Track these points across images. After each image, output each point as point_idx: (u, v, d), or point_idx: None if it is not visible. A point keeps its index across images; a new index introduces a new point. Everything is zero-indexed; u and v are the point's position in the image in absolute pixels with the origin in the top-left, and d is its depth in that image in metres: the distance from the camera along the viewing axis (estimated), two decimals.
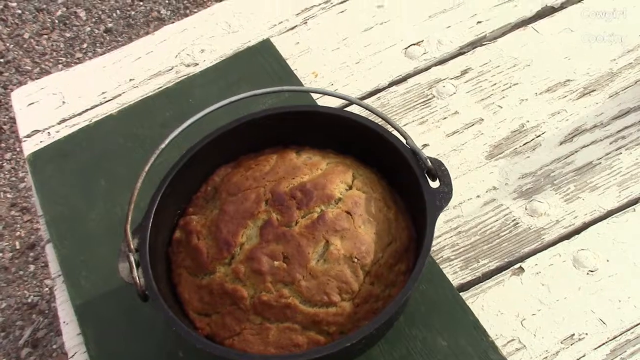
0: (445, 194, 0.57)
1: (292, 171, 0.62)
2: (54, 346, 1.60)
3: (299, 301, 0.55)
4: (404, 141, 0.61)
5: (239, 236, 0.58)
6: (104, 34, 2.08)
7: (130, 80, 0.91)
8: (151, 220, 0.59)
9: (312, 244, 0.57)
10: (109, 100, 0.90)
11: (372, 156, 0.65)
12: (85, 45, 2.06)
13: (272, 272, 0.56)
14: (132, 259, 0.56)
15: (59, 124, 0.88)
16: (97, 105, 0.89)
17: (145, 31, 2.06)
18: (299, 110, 0.65)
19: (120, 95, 0.90)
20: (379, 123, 0.64)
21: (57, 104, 0.90)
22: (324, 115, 0.65)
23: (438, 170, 0.58)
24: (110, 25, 2.09)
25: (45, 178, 0.81)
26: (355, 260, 0.57)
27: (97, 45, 2.07)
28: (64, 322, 0.71)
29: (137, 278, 0.56)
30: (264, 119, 0.65)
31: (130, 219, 0.58)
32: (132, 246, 0.57)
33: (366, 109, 0.63)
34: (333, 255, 0.56)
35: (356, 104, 0.64)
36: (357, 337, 0.51)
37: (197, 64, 0.91)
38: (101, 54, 2.03)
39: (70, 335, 0.70)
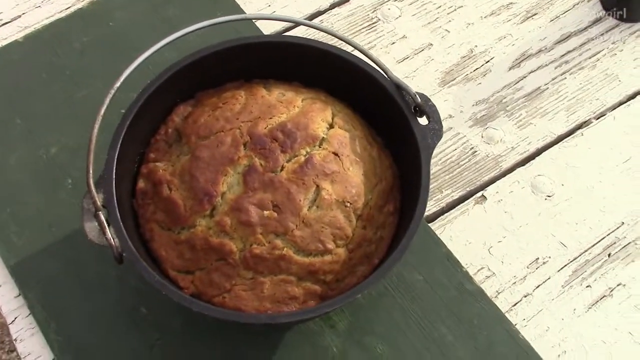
0: (436, 131, 0.55)
1: (268, 110, 0.56)
2: None
3: (293, 251, 0.52)
4: (384, 74, 0.57)
5: (220, 185, 0.53)
6: None
7: None
8: (114, 170, 0.52)
9: (302, 190, 0.53)
10: (7, 23, 0.77)
11: (344, 89, 0.61)
12: None
13: (263, 222, 0.52)
14: (102, 217, 0.49)
15: None
16: None
17: None
18: (266, 40, 0.59)
19: (19, 16, 0.78)
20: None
21: None
22: (290, 46, 0.60)
23: (426, 105, 0.56)
24: None
25: None
26: (348, 204, 0.54)
27: None
28: None
29: (112, 239, 0.49)
30: (226, 52, 0.58)
31: (91, 171, 0.50)
32: (99, 203, 0.50)
33: (330, 34, 0.58)
34: (325, 201, 0.53)
35: (311, 26, 0.58)
36: (366, 287, 0.49)
37: None
38: None
39: (7, 298, 0.62)
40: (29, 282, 0.62)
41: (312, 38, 0.74)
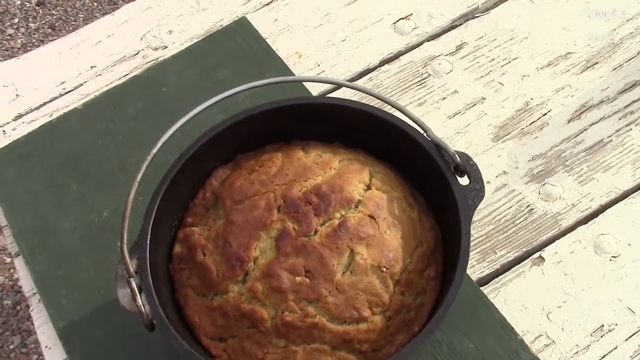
0: (477, 191, 0.52)
1: (303, 172, 0.55)
2: (11, 346, 1.51)
3: (326, 319, 0.50)
4: (423, 133, 0.56)
5: (252, 250, 0.52)
6: (36, 7, 1.93)
7: (92, 67, 0.82)
8: (149, 236, 0.52)
9: (336, 254, 0.51)
10: (70, 92, 0.81)
11: (384, 150, 0.59)
12: (16, 20, 1.91)
13: (294, 289, 0.50)
14: (133, 284, 0.49)
15: (14, 120, 0.79)
16: (56, 98, 0.80)
17: (82, 3, 1.93)
18: (302, 103, 0.59)
19: (81, 85, 0.81)
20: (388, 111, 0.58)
21: (10, 97, 0.81)
22: (330, 108, 0.59)
23: (467, 165, 0.53)
24: None
25: (7, 184, 0.72)
26: (384, 269, 0.51)
27: (30, 20, 1.92)
28: (46, 346, 0.64)
29: (142, 306, 0.49)
30: (263, 114, 0.58)
31: (125, 237, 0.51)
32: (131, 269, 0.50)
33: (375, 97, 0.57)
34: (360, 266, 0.51)
35: (362, 91, 0.58)
36: (401, 357, 0.46)
37: (166, 47, 0.83)
38: (34, 29, 1.89)
39: None
40: (75, 345, 0.62)
41: (356, 99, 0.73)
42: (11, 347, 1.51)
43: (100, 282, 0.65)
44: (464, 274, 0.48)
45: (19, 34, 1.91)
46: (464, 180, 0.54)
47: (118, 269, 0.52)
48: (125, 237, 0.51)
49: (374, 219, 0.53)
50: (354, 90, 0.76)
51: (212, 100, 0.57)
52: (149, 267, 0.51)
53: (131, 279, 0.50)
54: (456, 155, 0.53)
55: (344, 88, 0.76)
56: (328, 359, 0.50)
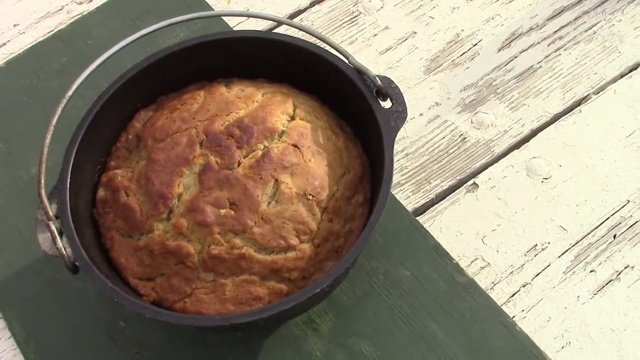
0: (399, 113, 0.52)
1: (225, 107, 0.54)
2: None
3: (253, 250, 0.50)
4: (345, 60, 0.55)
5: (175, 186, 0.51)
6: None
7: (15, 25, 0.79)
8: (68, 180, 0.51)
9: (260, 185, 0.50)
10: None
11: (309, 81, 0.59)
12: None
13: (219, 221, 0.50)
14: (52, 227, 0.48)
15: None
16: None
17: None
18: (223, 37, 0.57)
19: (4, 44, 0.78)
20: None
21: None
22: (251, 41, 0.58)
23: (388, 88, 0.53)
24: None
25: None
26: (310, 197, 0.51)
27: None
28: None
29: (63, 249, 0.48)
30: (184, 52, 0.57)
31: (43, 182, 0.49)
32: (50, 213, 0.48)
33: (299, 30, 0.56)
34: (285, 195, 0.50)
35: (287, 24, 0.56)
36: (326, 281, 0.46)
37: (90, 0, 0.80)
38: None
39: None
40: (9, 302, 0.61)
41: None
42: None
43: (30, 238, 0.64)
44: (389, 193, 0.48)
45: None
46: (387, 104, 0.53)
47: (38, 214, 0.50)
48: (42, 182, 0.49)
49: (298, 148, 0.52)
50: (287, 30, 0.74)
51: (130, 39, 0.55)
52: (69, 210, 0.50)
53: (50, 222, 0.48)
54: (377, 78, 0.52)
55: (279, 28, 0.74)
56: (258, 289, 0.50)
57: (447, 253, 0.60)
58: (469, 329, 0.56)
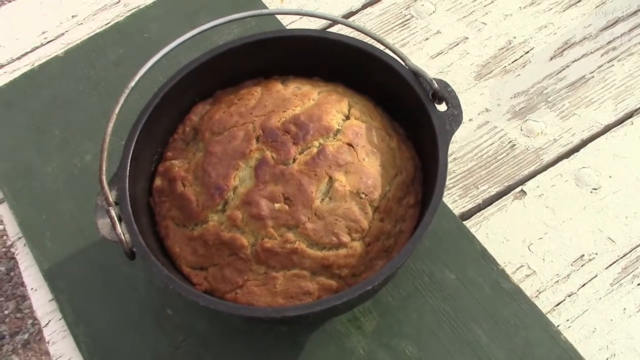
0: (455, 116, 0.52)
1: (282, 103, 0.55)
2: (6, 312, 1.52)
3: (305, 245, 0.50)
4: (401, 62, 0.55)
5: (231, 179, 0.52)
6: None
7: (73, 16, 0.81)
8: (128, 168, 0.53)
9: (314, 181, 0.51)
10: (52, 41, 0.80)
11: (362, 82, 0.59)
12: None
13: (274, 215, 0.51)
14: (112, 213, 0.49)
15: None
16: (38, 47, 0.80)
17: None
18: (283, 35, 0.58)
19: (63, 34, 0.81)
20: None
21: None
22: (309, 39, 0.59)
23: (444, 91, 0.53)
24: None
25: None
26: (363, 195, 0.52)
27: None
28: (32, 288, 0.64)
29: (122, 234, 0.49)
30: (242, 48, 0.58)
31: (104, 169, 0.51)
32: (110, 199, 0.50)
33: (354, 30, 0.57)
34: (339, 193, 0.51)
35: (342, 23, 0.57)
36: (377, 279, 0.46)
37: None
38: None
39: (41, 302, 0.63)
40: (60, 286, 0.63)
41: None
42: (6, 312, 1.52)
43: (83, 224, 0.65)
44: (442, 196, 0.49)
45: None
46: (442, 107, 0.54)
47: (98, 200, 0.52)
48: (104, 169, 0.51)
49: (353, 147, 0.53)
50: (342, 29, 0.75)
51: (190, 34, 0.57)
52: (128, 197, 0.51)
53: (110, 208, 0.50)
54: (434, 81, 0.53)
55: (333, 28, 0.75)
56: (308, 284, 0.50)
57: (493, 259, 0.60)
58: (513, 336, 0.56)
